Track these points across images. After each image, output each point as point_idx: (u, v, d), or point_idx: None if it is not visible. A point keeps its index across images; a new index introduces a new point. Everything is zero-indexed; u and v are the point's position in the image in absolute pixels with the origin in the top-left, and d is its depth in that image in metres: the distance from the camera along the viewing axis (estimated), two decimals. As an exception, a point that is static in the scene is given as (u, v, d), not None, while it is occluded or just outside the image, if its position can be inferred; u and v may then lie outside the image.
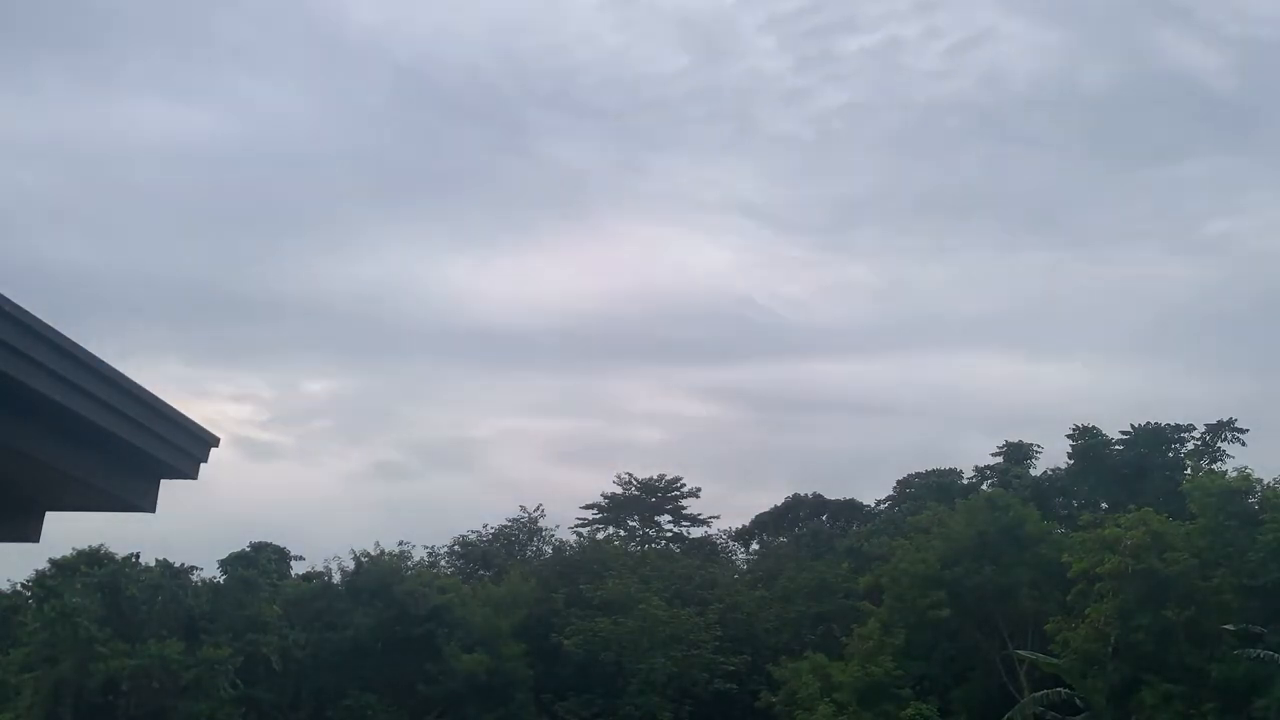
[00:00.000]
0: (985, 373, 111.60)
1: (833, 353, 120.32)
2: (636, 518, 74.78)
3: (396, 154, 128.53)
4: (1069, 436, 62.23)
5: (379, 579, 54.62)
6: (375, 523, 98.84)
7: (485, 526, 70.76)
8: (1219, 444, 60.26)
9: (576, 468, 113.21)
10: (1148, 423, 61.56)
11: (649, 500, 74.13)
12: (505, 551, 69.92)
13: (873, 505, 75.85)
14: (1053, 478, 63.86)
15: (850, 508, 76.94)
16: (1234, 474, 48.27)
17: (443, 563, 67.11)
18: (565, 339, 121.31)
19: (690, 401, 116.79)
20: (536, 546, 71.09)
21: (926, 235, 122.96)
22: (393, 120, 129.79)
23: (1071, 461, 62.64)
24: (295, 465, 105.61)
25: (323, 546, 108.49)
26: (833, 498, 78.41)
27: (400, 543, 59.02)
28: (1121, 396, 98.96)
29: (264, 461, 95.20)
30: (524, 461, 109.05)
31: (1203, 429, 60.94)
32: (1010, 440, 65.99)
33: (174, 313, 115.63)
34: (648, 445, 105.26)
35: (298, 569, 59.29)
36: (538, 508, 71.10)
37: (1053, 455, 65.62)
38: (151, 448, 6.11)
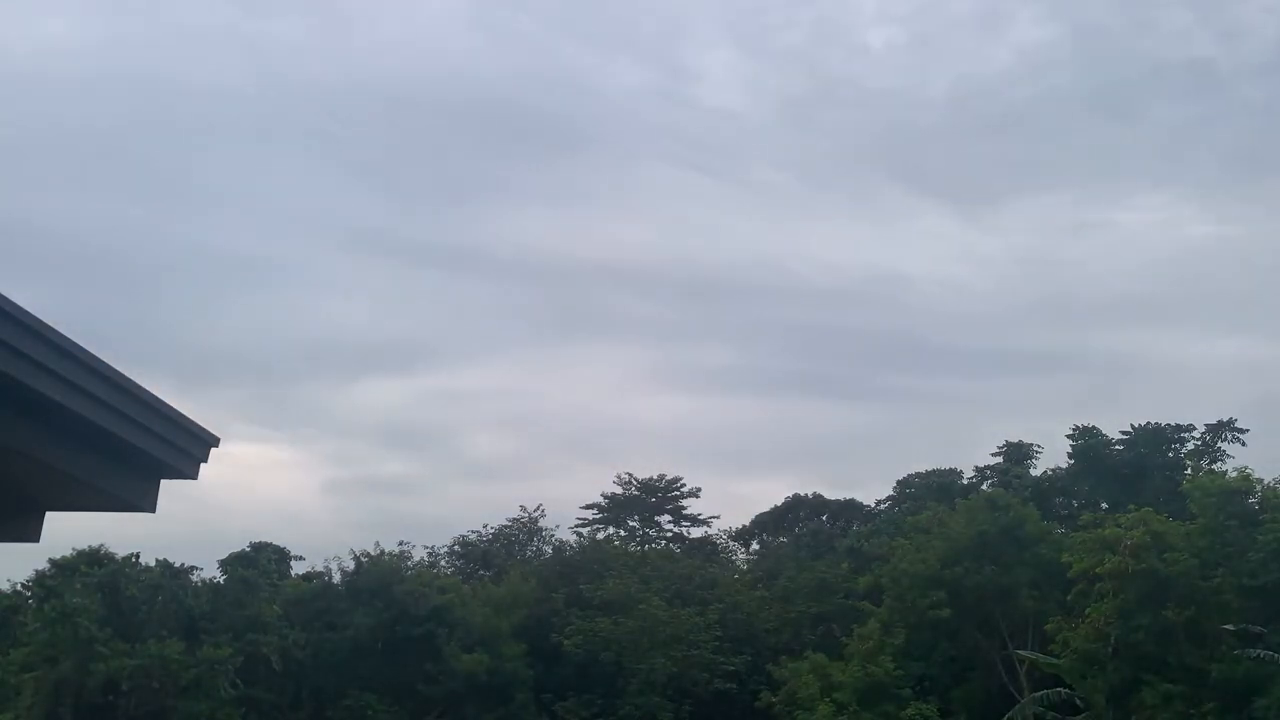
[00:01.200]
0: (1137, 351, 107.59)
1: (973, 330, 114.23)
2: (636, 518, 74.73)
3: (523, 95, 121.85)
4: (1069, 436, 62.33)
5: (379, 579, 54.62)
6: (352, 514, 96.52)
7: (485, 526, 70.89)
8: (1219, 444, 60.37)
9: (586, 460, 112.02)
10: (1147, 423, 61.63)
11: (649, 500, 74.09)
12: (505, 551, 69.91)
13: (873, 505, 75.98)
14: (1053, 478, 63.89)
15: (850, 508, 76.97)
16: (1234, 474, 48.30)
17: (442, 563, 67.17)
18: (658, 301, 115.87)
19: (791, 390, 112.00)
20: (536, 546, 71.11)
21: (1089, 204, 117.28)
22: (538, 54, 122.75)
23: (1071, 461, 62.69)
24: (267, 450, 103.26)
25: (290, 536, 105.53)
26: (833, 498, 78.58)
27: (400, 543, 59.24)
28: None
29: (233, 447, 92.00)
30: (526, 445, 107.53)
31: (1202, 429, 61.10)
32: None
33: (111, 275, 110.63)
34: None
35: (298, 569, 59.38)
36: (538, 507, 71.23)
37: (1053, 455, 65.74)
38: (151, 448, 6.10)
